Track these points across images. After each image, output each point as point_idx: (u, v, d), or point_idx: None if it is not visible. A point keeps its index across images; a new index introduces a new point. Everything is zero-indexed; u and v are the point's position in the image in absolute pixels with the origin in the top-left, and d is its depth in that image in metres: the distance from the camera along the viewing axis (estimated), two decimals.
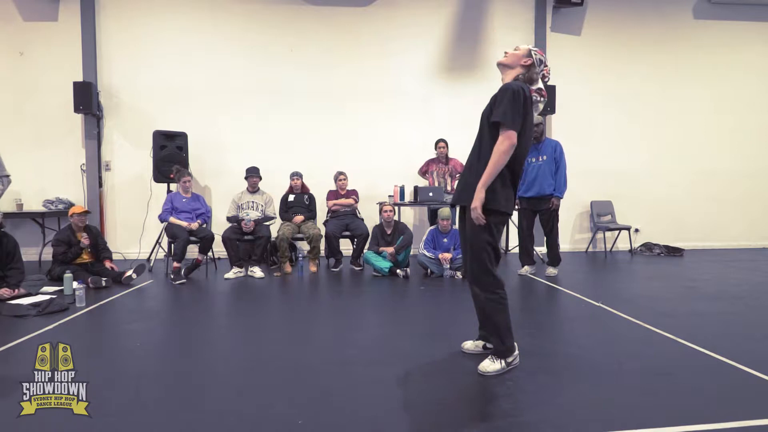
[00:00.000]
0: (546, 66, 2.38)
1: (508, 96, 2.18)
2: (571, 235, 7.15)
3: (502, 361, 2.31)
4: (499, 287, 2.32)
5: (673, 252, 6.61)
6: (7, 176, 3.85)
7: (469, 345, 2.63)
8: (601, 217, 6.95)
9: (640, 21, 7.08)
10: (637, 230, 7.10)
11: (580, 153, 6.71)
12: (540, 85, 2.35)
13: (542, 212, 4.90)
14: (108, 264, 4.68)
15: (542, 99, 2.34)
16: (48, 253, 5.59)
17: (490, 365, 2.30)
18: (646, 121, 7.16)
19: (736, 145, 7.32)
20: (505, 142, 2.17)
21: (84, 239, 4.54)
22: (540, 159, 4.87)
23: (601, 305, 3.60)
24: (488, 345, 2.53)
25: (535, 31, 6.84)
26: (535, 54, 2.34)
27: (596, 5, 7.01)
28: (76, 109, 5.93)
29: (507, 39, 6.83)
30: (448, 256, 4.76)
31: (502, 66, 2.42)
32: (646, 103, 7.14)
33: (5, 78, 6.11)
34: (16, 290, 3.83)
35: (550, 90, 6.59)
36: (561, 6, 6.74)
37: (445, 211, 4.89)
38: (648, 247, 6.87)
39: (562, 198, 4.83)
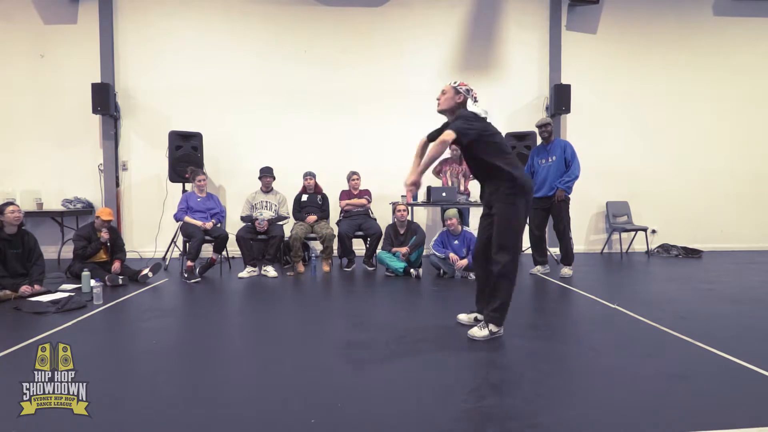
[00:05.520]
0: (472, 90, 2.89)
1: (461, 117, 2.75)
2: (586, 236, 7.06)
3: (490, 330, 2.79)
4: (516, 269, 2.77)
5: (691, 253, 6.48)
6: None
7: (463, 317, 3.14)
8: (617, 218, 6.85)
9: (658, 18, 6.96)
10: (654, 231, 6.99)
11: (595, 152, 6.62)
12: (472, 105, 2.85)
13: (552, 209, 4.88)
14: (116, 264, 4.61)
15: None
16: (66, 252, 5.70)
17: (479, 332, 2.81)
18: (663, 120, 7.04)
19: (756, 144, 7.15)
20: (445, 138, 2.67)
21: (104, 233, 4.61)
22: (549, 160, 4.89)
23: (617, 307, 3.55)
24: (479, 317, 3.02)
25: (550, 30, 6.77)
26: (461, 87, 2.84)
27: (612, 3, 6.91)
28: (94, 110, 6.05)
29: (522, 38, 6.79)
30: (463, 263, 4.69)
31: (441, 112, 2.96)
32: (663, 101, 7.02)
33: (26, 80, 6.25)
34: (36, 286, 3.92)
35: (565, 89, 6.53)
36: (576, 4, 6.66)
37: (451, 211, 4.84)
38: (665, 248, 6.75)
39: (565, 191, 4.77)
